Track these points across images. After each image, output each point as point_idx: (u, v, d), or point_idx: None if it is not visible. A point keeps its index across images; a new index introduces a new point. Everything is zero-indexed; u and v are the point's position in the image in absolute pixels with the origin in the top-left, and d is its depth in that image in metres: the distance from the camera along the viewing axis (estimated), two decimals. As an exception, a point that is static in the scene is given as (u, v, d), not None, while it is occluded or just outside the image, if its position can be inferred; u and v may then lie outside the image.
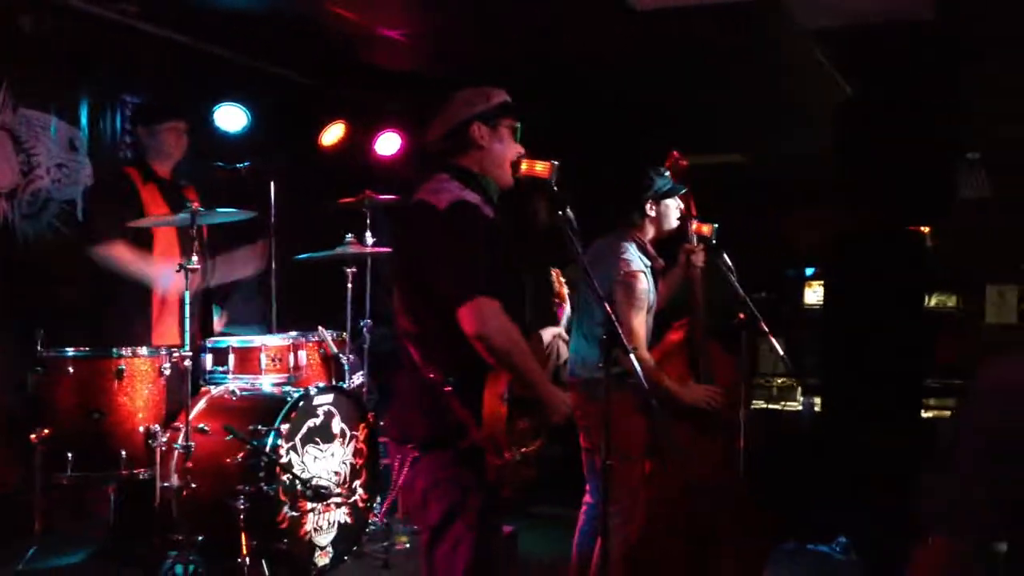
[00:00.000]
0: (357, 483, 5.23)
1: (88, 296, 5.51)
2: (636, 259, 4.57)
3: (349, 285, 5.94)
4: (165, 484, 4.72)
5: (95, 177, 5.88)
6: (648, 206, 4.69)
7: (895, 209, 7.37)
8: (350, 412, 5.23)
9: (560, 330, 3.65)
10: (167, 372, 4.83)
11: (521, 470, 3.28)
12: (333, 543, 5.05)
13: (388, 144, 7.51)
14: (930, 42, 6.57)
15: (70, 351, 4.71)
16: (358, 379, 5.83)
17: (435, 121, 3.48)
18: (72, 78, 5.88)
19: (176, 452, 4.74)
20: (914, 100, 7.21)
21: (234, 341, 5.33)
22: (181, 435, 4.73)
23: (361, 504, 5.26)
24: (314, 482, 4.86)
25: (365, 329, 6.07)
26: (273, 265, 6.13)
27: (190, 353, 4.81)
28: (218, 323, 5.70)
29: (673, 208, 4.75)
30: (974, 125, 7.32)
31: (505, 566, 3.47)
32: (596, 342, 3.82)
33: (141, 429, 4.73)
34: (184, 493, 4.71)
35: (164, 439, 4.74)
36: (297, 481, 4.78)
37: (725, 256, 4.82)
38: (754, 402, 7.02)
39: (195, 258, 4.73)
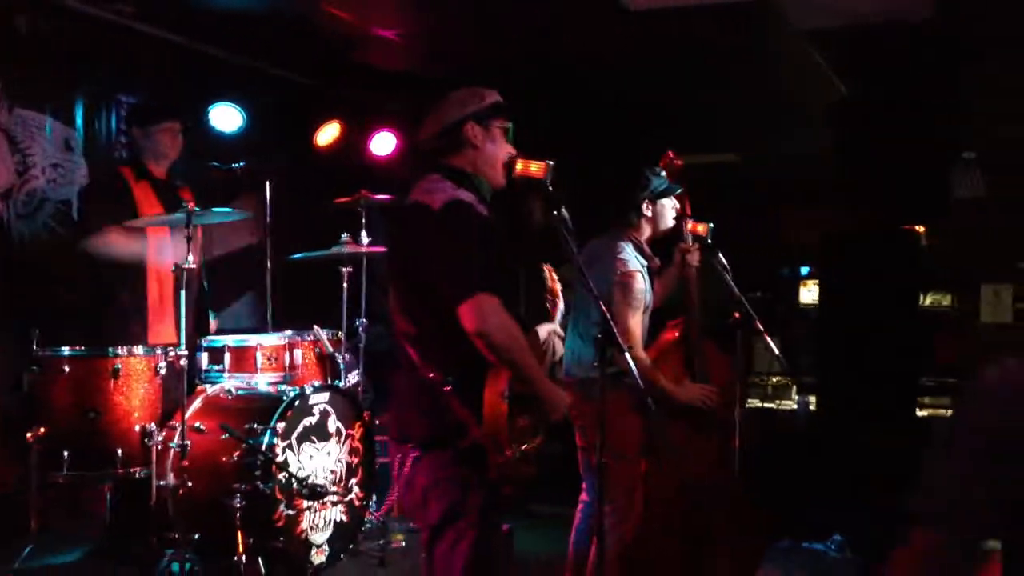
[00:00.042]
0: (353, 481, 5.24)
1: (84, 296, 5.50)
2: (633, 259, 4.57)
3: (345, 284, 5.95)
4: (161, 483, 4.72)
5: (90, 177, 5.88)
6: (644, 206, 4.70)
7: (891, 208, 7.39)
8: (346, 411, 5.24)
9: (555, 326, 3.66)
10: (163, 371, 4.83)
11: (521, 467, 3.28)
12: (329, 541, 5.05)
13: (384, 144, 7.51)
14: (929, 42, 6.58)
15: (66, 350, 4.71)
16: (354, 378, 5.84)
17: (427, 121, 3.48)
18: (68, 78, 5.87)
19: (172, 451, 4.74)
20: (912, 100, 7.22)
21: (230, 340, 5.33)
22: (177, 434, 4.73)
23: (357, 502, 5.26)
24: (310, 480, 4.86)
25: (361, 328, 6.08)
26: (269, 264, 6.13)
27: (186, 352, 4.81)
28: (212, 325, 5.71)
29: (669, 208, 4.75)
30: (972, 125, 7.34)
31: (504, 564, 3.48)
32: (592, 341, 3.84)
33: (137, 428, 4.72)
34: (180, 492, 4.72)
35: (160, 438, 4.74)
36: (293, 479, 4.78)
37: (720, 255, 4.83)
38: (749, 401, 7.04)
39: (191, 257, 4.73)
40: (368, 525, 5.52)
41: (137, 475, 4.71)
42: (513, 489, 3.30)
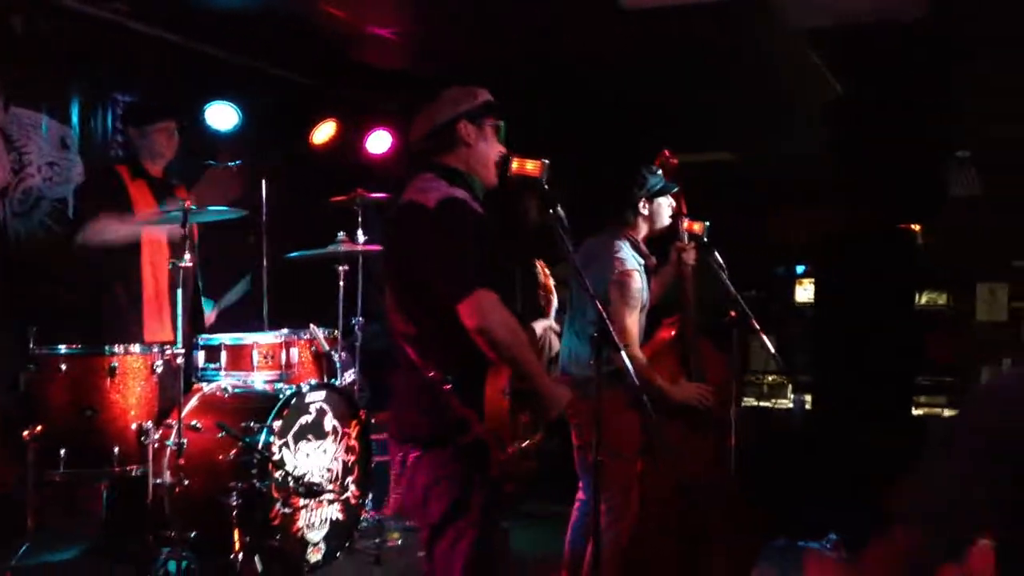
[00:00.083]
0: (349, 480, 5.25)
1: (80, 294, 5.51)
2: (630, 258, 4.57)
3: (341, 283, 5.95)
4: (157, 481, 4.73)
5: (86, 175, 5.88)
6: (641, 204, 4.70)
7: (886, 208, 7.39)
8: (342, 409, 5.24)
9: (550, 323, 3.66)
10: (159, 369, 4.83)
11: (523, 464, 3.29)
12: (325, 539, 5.06)
13: (380, 142, 7.50)
14: (922, 42, 6.59)
15: (62, 349, 4.71)
16: (350, 376, 5.84)
17: (419, 120, 3.48)
18: (64, 77, 5.87)
19: (168, 449, 4.75)
20: (906, 99, 7.23)
21: (226, 338, 5.34)
22: (173, 432, 4.74)
23: (353, 501, 5.27)
24: (306, 479, 4.87)
25: (357, 327, 6.08)
26: (265, 263, 6.13)
27: (182, 350, 4.81)
28: (211, 316, 5.70)
29: (665, 206, 4.75)
30: (966, 125, 7.35)
31: (504, 562, 3.48)
32: (588, 340, 3.84)
33: (133, 426, 4.73)
34: (176, 490, 4.72)
35: (156, 436, 4.75)
36: (289, 478, 4.79)
37: (716, 254, 4.84)
38: (745, 400, 7.04)
39: (187, 256, 4.74)
40: (364, 523, 5.53)
41: (133, 473, 4.72)
42: (515, 486, 3.30)
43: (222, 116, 6.14)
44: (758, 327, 4.78)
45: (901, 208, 7.43)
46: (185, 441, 4.71)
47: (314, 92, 7.55)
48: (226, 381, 5.19)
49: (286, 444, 4.88)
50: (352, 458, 5.27)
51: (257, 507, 4.68)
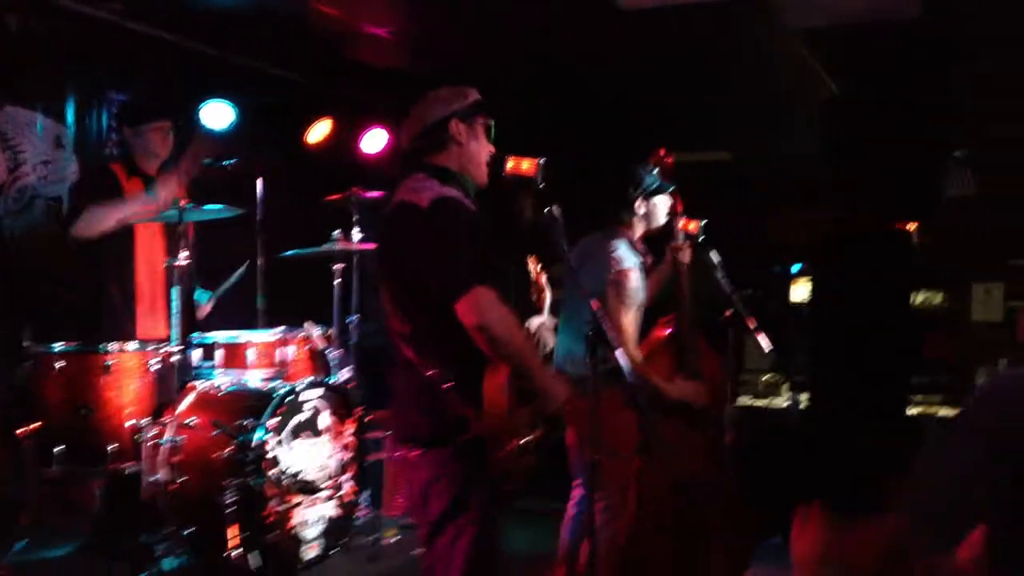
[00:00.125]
0: (344, 477, 5.24)
1: (74, 292, 5.51)
2: (627, 256, 4.57)
3: (337, 281, 5.95)
4: (152, 479, 4.73)
5: (80, 173, 5.88)
6: (637, 203, 4.70)
7: (882, 207, 7.38)
8: (338, 407, 5.25)
9: (544, 319, 3.67)
10: (154, 367, 4.83)
11: (521, 460, 3.29)
12: (320, 536, 5.06)
13: (376, 141, 7.49)
14: (920, 41, 6.59)
15: (57, 347, 4.72)
16: (345, 374, 5.84)
17: (409, 121, 3.49)
18: (59, 75, 5.87)
19: (163, 447, 4.75)
20: (903, 99, 7.22)
21: (221, 336, 5.34)
22: (168, 430, 4.74)
23: (348, 498, 5.26)
24: (301, 476, 4.87)
25: (352, 325, 6.08)
26: (260, 261, 6.13)
27: (177, 348, 4.81)
28: (206, 308, 5.69)
29: (661, 205, 4.76)
30: (964, 124, 7.34)
31: (504, 560, 3.48)
32: (584, 338, 3.83)
33: (128, 424, 4.73)
34: (171, 488, 4.72)
35: (151, 434, 4.75)
36: (284, 476, 4.79)
37: (713, 253, 4.84)
38: (740, 398, 7.03)
39: (183, 254, 4.74)
40: (360, 521, 5.53)
41: (128, 471, 4.72)
42: (514, 483, 3.31)
43: (218, 114, 6.12)
44: (754, 326, 4.78)
45: (897, 208, 7.42)
46: (180, 439, 4.71)
47: (311, 91, 7.55)
48: (221, 379, 5.18)
49: (281, 442, 4.87)
50: (347, 456, 5.27)
51: (252, 505, 4.68)
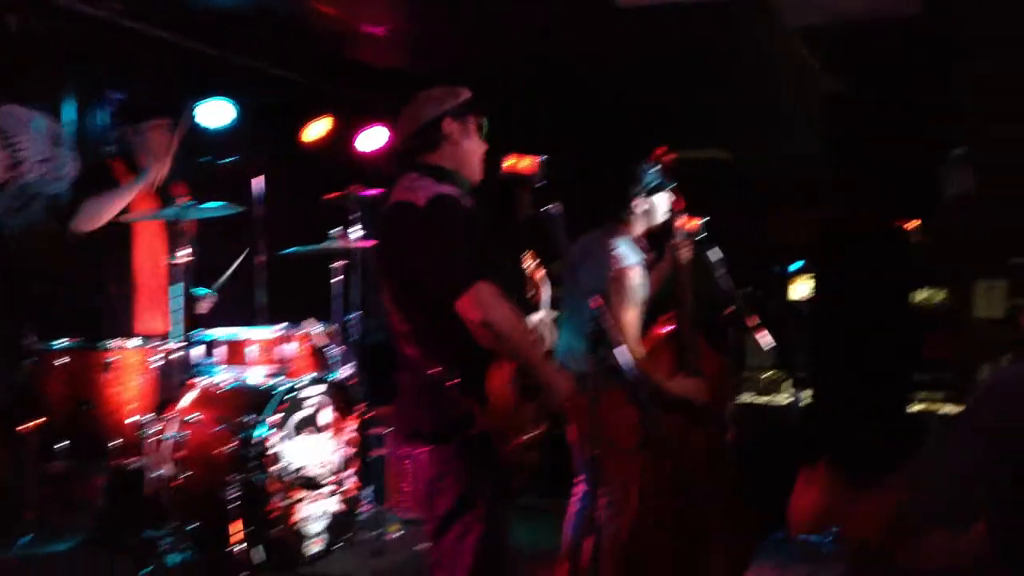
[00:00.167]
0: (347, 472, 5.26)
1: (74, 289, 5.52)
2: (628, 254, 4.58)
3: (338, 278, 5.96)
4: (155, 474, 4.75)
5: (80, 171, 5.89)
6: (637, 201, 4.70)
7: (883, 205, 7.39)
8: (339, 403, 5.27)
9: (543, 315, 3.67)
10: (156, 364, 4.84)
11: (526, 456, 3.30)
12: (324, 531, 5.08)
13: (373, 138, 7.49)
14: (920, 41, 6.60)
15: (59, 343, 4.74)
16: (347, 370, 5.85)
17: (402, 120, 3.50)
18: (58, 74, 5.88)
19: (166, 443, 4.76)
20: (903, 99, 7.23)
21: (223, 333, 5.35)
22: (171, 426, 4.75)
23: (351, 493, 5.28)
24: (304, 472, 4.89)
25: (353, 321, 6.08)
26: (262, 258, 6.14)
27: (179, 344, 4.83)
28: (206, 304, 5.70)
29: (661, 203, 4.76)
30: (964, 124, 7.35)
31: (511, 555, 3.49)
32: (585, 335, 3.84)
33: (130, 420, 4.75)
34: (174, 483, 4.74)
35: (154, 430, 4.76)
36: (287, 471, 4.80)
37: (713, 251, 4.84)
38: (742, 396, 7.05)
39: (184, 252, 4.75)
40: (363, 516, 5.54)
41: (131, 467, 4.74)
42: (519, 479, 3.32)
43: (218, 113, 6.13)
44: (754, 324, 4.78)
45: (897, 206, 7.43)
46: (182, 435, 4.73)
47: (311, 91, 7.55)
48: (223, 375, 5.20)
49: (284, 438, 4.89)
50: (350, 451, 5.29)
51: (255, 500, 4.70)
